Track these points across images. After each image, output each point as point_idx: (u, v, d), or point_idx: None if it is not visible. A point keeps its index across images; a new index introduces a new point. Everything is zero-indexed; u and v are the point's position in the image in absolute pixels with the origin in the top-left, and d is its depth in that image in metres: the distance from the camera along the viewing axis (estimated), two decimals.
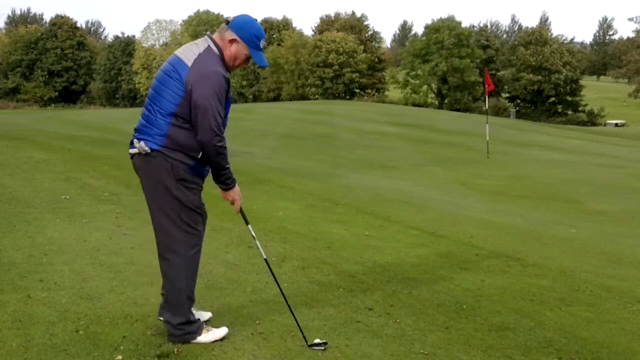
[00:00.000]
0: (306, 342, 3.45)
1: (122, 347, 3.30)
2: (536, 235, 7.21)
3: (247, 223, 3.61)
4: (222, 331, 3.50)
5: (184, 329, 3.39)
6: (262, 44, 3.36)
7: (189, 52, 3.30)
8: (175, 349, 3.30)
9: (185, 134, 3.23)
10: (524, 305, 4.46)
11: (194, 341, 3.40)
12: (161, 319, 3.52)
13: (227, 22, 3.37)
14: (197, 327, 3.44)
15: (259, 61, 3.38)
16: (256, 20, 3.40)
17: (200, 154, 3.26)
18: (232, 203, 3.49)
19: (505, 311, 4.30)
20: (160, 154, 3.24)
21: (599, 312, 4.45)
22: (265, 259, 3.75)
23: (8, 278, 4.30)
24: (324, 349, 3.41)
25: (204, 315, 3.66)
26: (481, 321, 4.07)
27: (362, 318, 3.97)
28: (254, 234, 3.66)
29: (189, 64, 3.22)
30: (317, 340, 3.47)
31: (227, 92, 3.28)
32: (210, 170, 3.39)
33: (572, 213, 9.15)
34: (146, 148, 3.25)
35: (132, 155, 3.36)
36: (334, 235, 6.40)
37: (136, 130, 3.34)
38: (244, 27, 3.31)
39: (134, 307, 3.88)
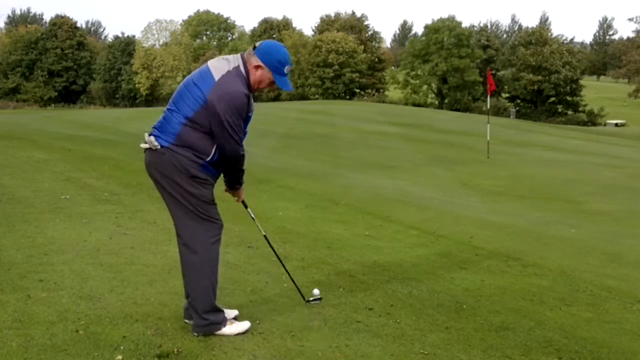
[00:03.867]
0: (303, 298, 3.77)
1: (122, 347, 3.29)
2: (536, 235, 7.20)
3: (246, 207, 3.86)
4: (245, 325, 3.61)
5: (209, 319, 3.49)
6: (286, 69, 3.44)
7: (219, 67, 3.42)
8: (175, 349, 3.30)
9: (197, 135, 3.35)
10: (524, 305, 4.46)
11: (218, 332, 3.52)
12: (187, 321, 3.62)
13: (254, 47, 3.48)
14: (221, 318, 3.55)
15: (282, 86, 3.46)
16: (282, 46, 3.51)
17: (209, 157, 3.38)
18: (237, 199, 3.79)
19: (505, 311, 4.30)
20: (169, 151, 3.37)
21: (599, 312, 4.45)
22: (265, 236, 3.99)
23: (8, 278, 4.30)
24: (319, 303, 3.74)
25: (231, 313, 3.74)
26: (481, 321, 4.07)
27: (362, 318, 3.97)
28: (253, 216, 3.91)
29: (216, 78, 3.35)
30: (316, 292, 3.98)
31: (248, 109, 3.41)
32: (220, 172, 3.56)
33: (572, 213, 9.15)
34: (155, 143, 3.39)
35: (145, 150, 3.49)
36: (334, 235, 6.40)
37: (154, 127, 3.49)
38: (268, 53, 3.42)
39: (134, 307, 3.88)
